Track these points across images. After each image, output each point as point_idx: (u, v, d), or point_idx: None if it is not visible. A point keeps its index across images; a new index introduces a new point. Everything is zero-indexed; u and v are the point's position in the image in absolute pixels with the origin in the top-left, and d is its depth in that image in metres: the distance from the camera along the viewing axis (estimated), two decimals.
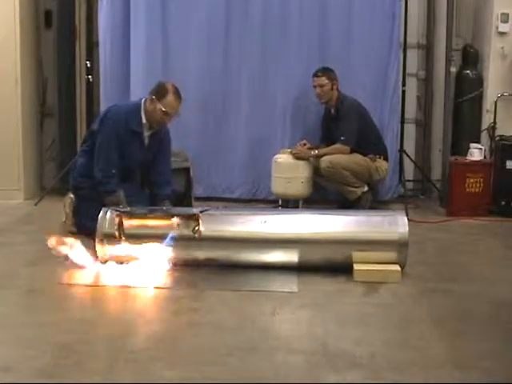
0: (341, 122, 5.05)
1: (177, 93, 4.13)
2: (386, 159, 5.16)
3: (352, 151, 4.99)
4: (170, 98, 4.09)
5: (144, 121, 4.21)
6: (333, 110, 5.16)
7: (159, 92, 4.12)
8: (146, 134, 4.26)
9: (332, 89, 5.06)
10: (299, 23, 5.39)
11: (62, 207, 4.37)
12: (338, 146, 5.00)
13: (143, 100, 4.22)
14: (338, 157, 4.92)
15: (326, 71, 5.07)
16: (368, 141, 5.07)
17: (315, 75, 5.08)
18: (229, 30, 5.45)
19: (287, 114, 5.47)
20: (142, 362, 2.33)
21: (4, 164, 5.48)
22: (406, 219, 3.47)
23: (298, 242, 3.44)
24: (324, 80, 5.04)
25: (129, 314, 2.86)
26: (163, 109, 4.08)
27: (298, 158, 5.03)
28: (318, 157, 4.98)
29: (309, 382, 2.22)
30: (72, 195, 4.34)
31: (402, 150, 5.54)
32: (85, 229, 3.92)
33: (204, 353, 2.41)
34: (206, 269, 3.45)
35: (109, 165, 4.13)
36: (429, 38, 5.82)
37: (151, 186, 4.38)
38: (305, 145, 5.14)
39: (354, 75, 5.36)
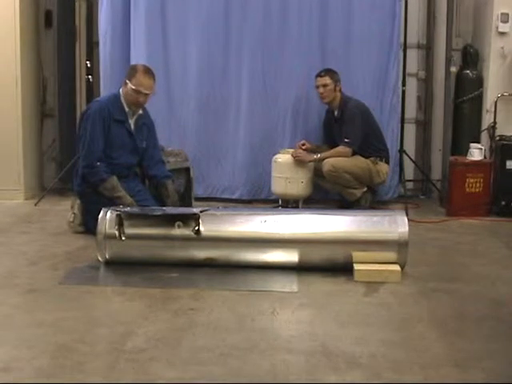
0: (345, 124, 5.03)
1: (146, 71, 4.22)
2: (387, 162, 5.15)
3: (353, 153, 4.99)
4: (139, 76, 4.18)
5: (127, 108, 4.26)
6: (336, 112, 5.14)
7: (129, 73, 4.23)
8: (131, 120, 4.31)
9: (335, 90, 5.06)
10: (299, 23, 5.40)
11: (69, 208, 4.38)
12: (339, 148, 4.99)
13: (121, 88, 4.28)
14: (340, 160, 4.90)
15: (329, 72, 5.07)
16: (371, 143, 5.06)
17: (318, 75, 5.08)
18: (229, 30, 5.46)
19: (287, 113, 5.47)
20: (142, 361, 2.32)
21: (4, 164, 5.49)
22: (405, 219, 3.46)
23: (298, 241, 3.44)
24: (327, 79, 5.03)
25: (129, 313, 2.85)
26: (133, 87, 4.15)
27: (298, 161, 5.01)
28: (320, 161, 4.97)
29: (309, 382, 2.21)
30: (78, 200, 4.33)
31: (402, 150, 5.54)
32: (93, 229, 3.92)
33: (204, 353, 2.41)
34: (205, 269, 3.46)
35: (92, 159, 4.14)
36: (429, 38, 5.84)
37: (146, 171, 4.41)
38: (303, 145, 5.13)
39: (354, 75, 5.37)
